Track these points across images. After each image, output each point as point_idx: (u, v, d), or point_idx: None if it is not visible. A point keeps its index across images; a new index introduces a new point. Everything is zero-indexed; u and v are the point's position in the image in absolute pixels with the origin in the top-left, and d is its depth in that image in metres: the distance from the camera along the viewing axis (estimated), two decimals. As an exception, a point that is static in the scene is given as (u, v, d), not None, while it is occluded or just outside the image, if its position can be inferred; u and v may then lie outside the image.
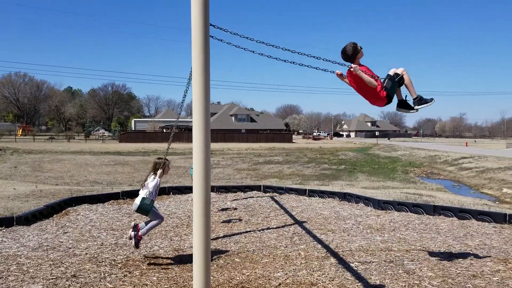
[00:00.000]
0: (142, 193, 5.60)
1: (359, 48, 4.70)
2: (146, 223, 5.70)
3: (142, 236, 5.65)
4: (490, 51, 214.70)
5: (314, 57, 4.47)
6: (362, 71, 4.59)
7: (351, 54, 4.68)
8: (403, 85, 4.77)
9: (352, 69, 4.61)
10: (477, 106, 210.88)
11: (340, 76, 4.88)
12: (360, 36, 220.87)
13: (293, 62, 4.64)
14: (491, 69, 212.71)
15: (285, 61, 4.60)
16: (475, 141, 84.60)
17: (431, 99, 4.77)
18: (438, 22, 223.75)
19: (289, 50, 4.45)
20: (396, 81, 4.67)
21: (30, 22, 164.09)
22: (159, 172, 5.73)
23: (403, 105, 4.84)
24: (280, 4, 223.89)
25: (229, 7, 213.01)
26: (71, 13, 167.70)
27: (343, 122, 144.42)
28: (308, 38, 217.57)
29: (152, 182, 5.64)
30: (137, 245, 5.56)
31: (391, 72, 4.74)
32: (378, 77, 4.70)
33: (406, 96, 4.79)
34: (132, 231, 5.55)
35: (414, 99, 4.76)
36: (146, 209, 5.53)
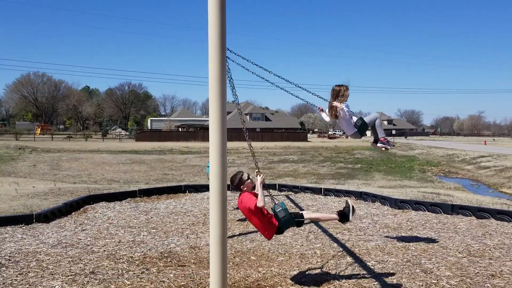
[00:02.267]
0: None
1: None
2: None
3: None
4: (509, 47, 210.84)
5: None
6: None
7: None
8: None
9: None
10: (496, 104, 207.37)
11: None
12: (369, 31, 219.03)
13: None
14: (510, 66, 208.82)
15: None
16: (493, 139, 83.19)
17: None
18: (455, 18, 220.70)
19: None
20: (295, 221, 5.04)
21: (48, 22, 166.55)
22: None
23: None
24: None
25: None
26: (88, 13, 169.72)
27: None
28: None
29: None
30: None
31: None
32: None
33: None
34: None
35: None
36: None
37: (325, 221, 5.44)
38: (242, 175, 4.86)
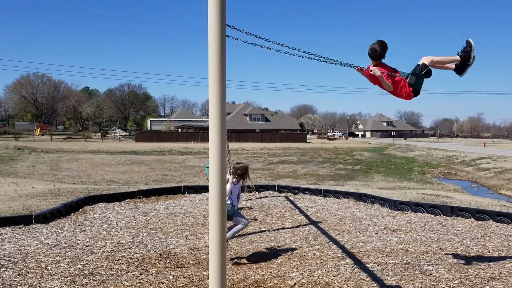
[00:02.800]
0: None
1: (386, 49, 4.68)
2: (230, 228, 5.65)
3: (228, 241, 5.69)
4: (509, 49, 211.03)
5: (330, 59, 4.48)
6: (382, 72, 4.58)
7: (378, 54, 4.68)
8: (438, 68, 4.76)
9: (371, 71, 4.59)
10: (495, 106, 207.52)
11: (361, 71, 4.81)
12: (369, 30, 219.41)
13: (311, 58, 4.49)
14: (510, 68, 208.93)
15: (302, 57, 4.48)
16: (493, 141, 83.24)
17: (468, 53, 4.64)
18: (455, 19, 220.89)
19: (304, 51, 4.43)
20: (423, 75, 4.61)
21: (47, 22, 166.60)
22: (230, 177, 5.71)
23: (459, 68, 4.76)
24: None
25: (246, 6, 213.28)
26: (88, 13, 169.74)
27: (358, 122, 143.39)
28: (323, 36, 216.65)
29: (227, 187, 5.50)
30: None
31: (420, 62, 4.69)
32: (399, 74, 4.67)
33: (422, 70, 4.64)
34: None
35: (459, 64, 4.76)
36: (228, 214, 5.39)
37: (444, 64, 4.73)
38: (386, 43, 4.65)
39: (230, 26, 3.76)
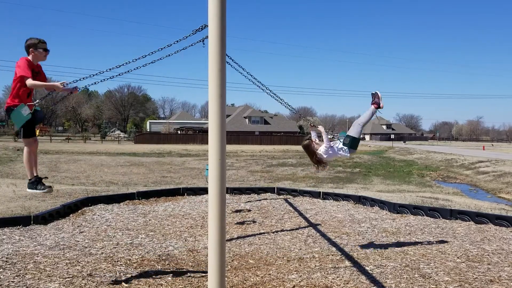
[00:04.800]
0: None
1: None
2: None
3: None
4: (509, 52, 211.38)
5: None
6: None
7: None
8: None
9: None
10: (495, 110, 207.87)
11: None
12: (370, 32, 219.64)
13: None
14: (509, 72, 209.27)
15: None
16: (492, 144, 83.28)
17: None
18: (455, 23, 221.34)
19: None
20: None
21: (47, 23, 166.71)
22: None
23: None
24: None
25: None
26: (88, 15, 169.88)
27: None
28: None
29: None
30: None
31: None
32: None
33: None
34: None
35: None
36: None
37: None
38: (41, 42, 4.77)
39: (229, 56, 3.76)
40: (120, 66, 4.82)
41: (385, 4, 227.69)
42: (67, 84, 4.76)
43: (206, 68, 3.48)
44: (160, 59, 4.97)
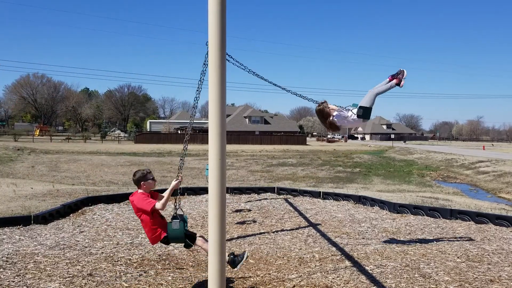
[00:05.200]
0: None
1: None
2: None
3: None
4: (509, 52, 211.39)
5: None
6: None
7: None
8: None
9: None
10: (495, 109, 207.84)
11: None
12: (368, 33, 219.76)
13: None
14: (509, 72, 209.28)
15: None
16: (492, 144, 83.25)
17: None
18: (455, 23, 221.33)
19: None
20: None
21: (47, 23, 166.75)
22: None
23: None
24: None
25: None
26: (88, 14, 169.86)
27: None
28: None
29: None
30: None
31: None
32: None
33: None
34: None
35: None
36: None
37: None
38: (147, 172, 4.68)
39: (229, 55, 3.76)
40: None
41: (385, 4, 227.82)
42: (180, 177, 4.81)
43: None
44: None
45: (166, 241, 4.64)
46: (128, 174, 20.76)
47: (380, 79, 5.99)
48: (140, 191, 4.63)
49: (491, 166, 25.91)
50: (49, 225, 7.39)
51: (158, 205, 4.44)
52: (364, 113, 5.64)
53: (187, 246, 4.69)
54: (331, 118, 5.82)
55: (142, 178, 4.62)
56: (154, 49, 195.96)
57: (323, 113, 5.87)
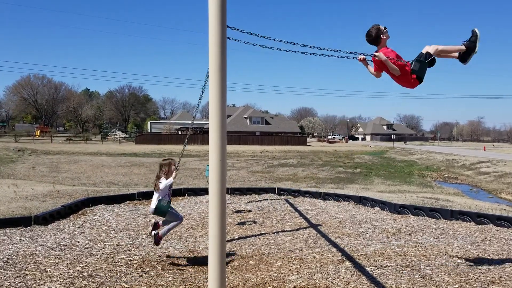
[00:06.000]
0: (156, 196, 5.69)
1: (382, 28, 4.69)
2: (164, 223, 5.80)
3: (162, 236, 5.74)
4: (510, 52, 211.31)
5: (333, 50, 4.51)
6: (388, 57, 4.53)
7: (374, 36, 4.69)
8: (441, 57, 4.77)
9: (376, 57, 4.60)
10: (495, 110, 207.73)
11: (364, 61, 4.81)
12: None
13: (313, 54, 4.52)
14: (509, 72, 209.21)
15: (304, 53, 4.49)
16: (493, 145, 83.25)
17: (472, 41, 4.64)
18: (456, 22, 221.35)
19: (307, 45, 4.41)
20: (427, 63, 4.60)
21: (48, 24, 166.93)
22: (165, 173, 5.81)
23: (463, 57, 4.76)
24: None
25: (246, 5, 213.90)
26: (89, 15, 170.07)
27: (358, 125, 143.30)
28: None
29: (162, 183, 5.65)
30: (157, 243, 5.66)
31: (424, 51, 4.67)
32: (405, 61, 4.64)
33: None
34: (152, 229, 5.62)
35: (463, 53, 4.76)
36: (163, 211, 5.62)
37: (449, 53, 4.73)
38: (380, 25, 4.68)
39: (231, 28, 3.76)
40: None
41: (386, 3, 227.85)
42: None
43: (207, 68, 3.48)
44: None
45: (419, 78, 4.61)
46: (129, 175, 20.77)
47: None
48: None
49: (492, 166, 25.90)
50: (50, 226, 7.39)
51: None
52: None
53: (431, 63, 4.64)
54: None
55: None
56: (154, 49, 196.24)
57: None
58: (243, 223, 8.03)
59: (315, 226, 7.76)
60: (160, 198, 5.63)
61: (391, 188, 17.67)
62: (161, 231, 5.69)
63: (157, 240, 5.61)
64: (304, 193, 11.22)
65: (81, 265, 5.32)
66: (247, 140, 67.52)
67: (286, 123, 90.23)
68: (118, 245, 6.33)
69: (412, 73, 4.60)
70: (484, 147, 60.87)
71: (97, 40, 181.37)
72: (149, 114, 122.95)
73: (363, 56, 4.76)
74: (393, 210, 8.98)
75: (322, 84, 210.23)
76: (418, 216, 8.56)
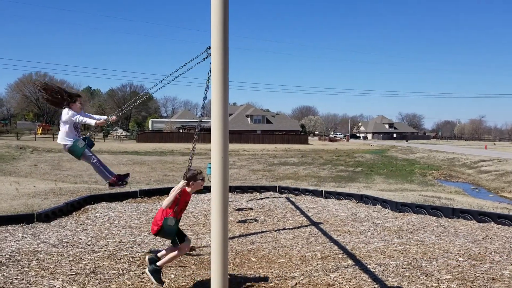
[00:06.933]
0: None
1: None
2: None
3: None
4: (511, 51, 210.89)
5: None
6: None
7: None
8: None
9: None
10: (497, 109, 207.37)
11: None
12: (369, 33, 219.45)
13: None
14: (511, 71, 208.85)
15: None
16: (494, 143, 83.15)
17: None
18: (457, 22, 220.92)
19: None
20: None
21: (50, 22, 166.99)
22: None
23: None
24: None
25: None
26: (91, 13, 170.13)
27: (360, 123, 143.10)
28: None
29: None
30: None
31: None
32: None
33: None
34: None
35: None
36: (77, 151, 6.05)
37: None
38: (198, 173, 4.57)
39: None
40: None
41: (388, 4, 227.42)
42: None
43: (208, 66, 3.49)
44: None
45: (160, 233, 4.50)
46: (131, 173, 20.80)
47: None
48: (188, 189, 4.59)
49: (493, 165, 25.88)
50: (52, 223, 7.41)
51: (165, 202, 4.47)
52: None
53: (175, 243, 4.58)
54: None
55: (193, 178, 4.56)
56: (156, 48, 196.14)
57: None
58: (244, 221, 8.04)
59: (316, 224, 7.77)
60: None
61: (392, 186, 17.67)
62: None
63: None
64: (305, 191, 11.22)
65: (84, 262, 5.35)
66: (248, 138, 67.48)
67: (287, 121, 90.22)
68: (120, 242, 6.35)
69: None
70: (486, 146, 60.81)
71: (99, 39, 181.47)
72: (150, 113, 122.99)
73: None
74: (394, 208, 8.99)
75: (323, 82, 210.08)
76: (419, 214, 8.56)
